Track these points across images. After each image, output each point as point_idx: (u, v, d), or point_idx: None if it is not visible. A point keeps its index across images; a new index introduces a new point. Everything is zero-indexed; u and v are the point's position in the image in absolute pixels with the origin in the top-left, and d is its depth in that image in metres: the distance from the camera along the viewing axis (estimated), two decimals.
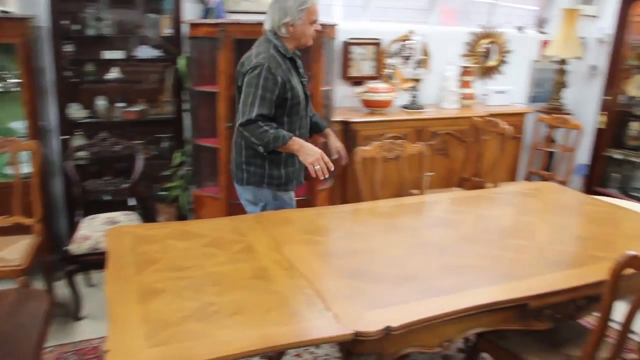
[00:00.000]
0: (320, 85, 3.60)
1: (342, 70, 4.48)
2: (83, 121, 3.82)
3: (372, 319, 1.69)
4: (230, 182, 3.55)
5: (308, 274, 1.98)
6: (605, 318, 1.80)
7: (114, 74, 3.86)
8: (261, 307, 1.75)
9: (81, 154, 3.69)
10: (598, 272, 2.04)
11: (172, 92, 3.95)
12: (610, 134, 4.75)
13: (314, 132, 2.99)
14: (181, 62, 3.79)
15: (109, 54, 3.82)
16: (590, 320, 3.20)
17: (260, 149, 2.57)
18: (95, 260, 3.10)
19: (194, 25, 3.61)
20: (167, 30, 3.87)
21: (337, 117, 4.04)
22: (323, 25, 3.42)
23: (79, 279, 3.40)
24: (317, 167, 2.51)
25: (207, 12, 3.88)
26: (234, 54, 3.37)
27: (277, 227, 2.43)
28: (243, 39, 3.38)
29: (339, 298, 1.82)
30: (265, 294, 1.83)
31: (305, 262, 2.08)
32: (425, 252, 2.25)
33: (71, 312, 3.26)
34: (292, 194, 2.92)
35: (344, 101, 4.47)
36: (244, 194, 2.86)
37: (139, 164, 3.58)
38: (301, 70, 2.81)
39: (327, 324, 1.67)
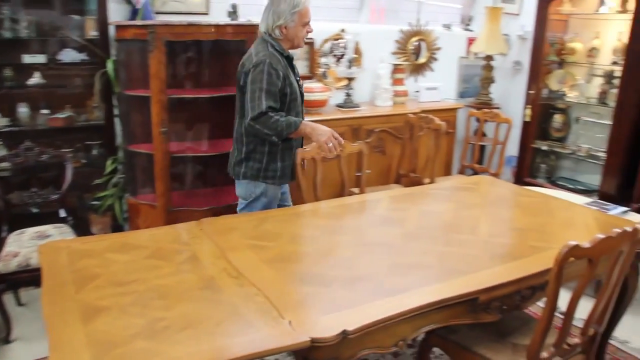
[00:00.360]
0: None
1: None
2: (3, 130, 3.60)
3: (327, 324, 1.67)
4: (168, 188, 3.46)
5: (257, 281, 1.94)
6: (552, 306, 1.85)
7: (35, 79, 3.66)
8: (212, 319, 1.69)
9: (3, 165, 3.47)
10: (540, 262, 2.12)
11: (101, 97, 3.78)
12: (536, 127, 4.95)
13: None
14: (110, 66, 3.64)
15: (29, 58, 3.62)
16: (533, 309, 3.33)
17: (274, 138, 2.70)
18: (25, 278, 2.93)
19: (121, 27, 3.48)
20: (93, 33, 3.70)
21: None
22: (255, 25, 3.37)
23: (8, 298, 3.20)
24: (330, 144, 2.74)
25: (135, 14, 3.74)
26: (165, 56, 3.26)
27: (220, 233, 2.37)
28: (174, 40, 3.29)
29: (291, 304, 1.79)
30: (215, 305, 1.77)
31: (254, 269, 2.04)
32: (373, 252, 2.25)
33: (0, 335, 3.06)
34: (286, 188, 3.09)
35: None
36: (237, 188, 2.97)
37: (69, 173, 3.40)
38: (296, 70, 2.96)
39: (283, 332, 1.64)
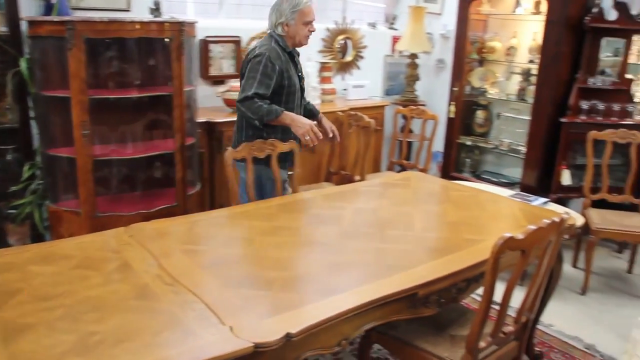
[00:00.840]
0: (183, 86, 3.44)
1: (202, 69, 4.33)
2: None
3: (270, 328, 1.64)
4: (93, 193, 3.30)
5: (194, 287, 1.87)
6: (489, 297, 1.90)
7: None
8: (150, 330, 1.61)
9: None
10: (475, 255, 2.18)
11: (15, 98, 3.54)
12: (460, 123, 5.10)
13: (308, 117, 3.17)
14: (23, 65, 3.42)
15: None
16: (467, 300, 3.42)
17: (257, 122, 2.96)
18: None
19: (34, 23, 3.26)
20: (2, 29, 3.46)
21: (201, 118, 3.90)
22: (181, 23, 3.28)
23: None
24: (307, 137, 2.93)
25: (49, 9, 3.53)
26: (85, 54, 3.10)
27: (152, 239, 2.28)
28: (95, 38, 3.13)
29: (232, 309, 1.74)
30: (152, 315, 1.70)
31: (190, 275, 1.97)
32: (310, 251, 2.24)
33: None
34: (286, 176, 3.24)
35: (206, 101, 4.33)
36: (239, 169, 3.12)
37: None
38: (299, 66, 3.16)
39: (224, 339, 1.58)
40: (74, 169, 3.29)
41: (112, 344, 1.54)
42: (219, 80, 4.44)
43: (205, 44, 4.28)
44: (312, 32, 3.08)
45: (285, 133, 3.06)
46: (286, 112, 2.94)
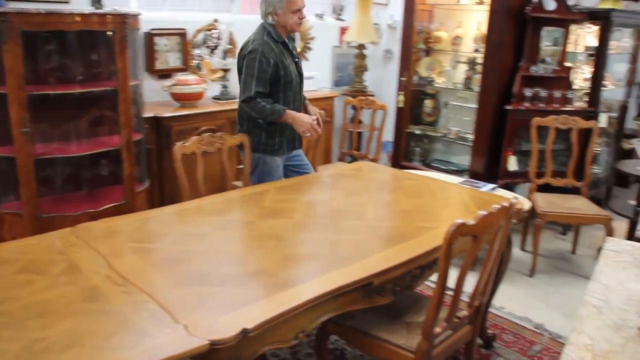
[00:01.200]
0: (128, 80, 3.34)
1: (147, 63, 4.22)
2: None
3: (225, 324, 1.61)
4: (35, 194, 3.18)
5: (146, 286, 1.82)
6: (443, 283, 1.92)
7: None
8: (101, 333, 1.56)
9: None
10: (428, 242, 2.20)
11: None
12: (409, 112, 5.15)
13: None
14: None
15: None
16: (422, 287, 3.47)
17: (260, 120, 3.12)
18: None
19: None
20: None
21: (148, 113, 3.80)
22: (124, 15, 3.18)
23: None
24: (308, 134, 3.11)
25: None
26: (22, 48, 2.97)
27: (100, 239, 2.21)
28: (33, 31, 3.00)
29: (186, 308, 1.70)
30: (102, 318, 1.64)
31: (141, 274, 1.92)
32: (264, 245, 2.21)
33: None
34: (300, 155, 3.42)
35: (153, 96, 4.23)
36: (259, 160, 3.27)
37: None
38: (294, 53, 3.21)
39: (179, 337, 1.55)
40: (14, 169, 3.15)
41: (60, 350, 1.48)
42: (165, 74, 4.34)
43: (150, 37, 4.17)
44: (302, 19, 3.12)
45: (284, 126, 3.20)
46: (288, 111, 3.06)
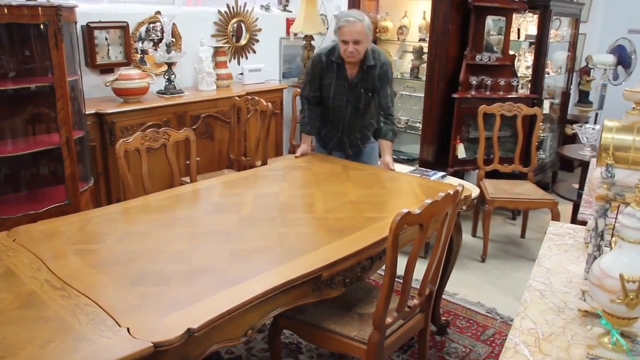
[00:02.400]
0: (65, 76, 3.20)
1: (87, 57, 4.07)
2: None
3: (169, 325, 1.56)
4: None
5: (86, 289, 1.75)
6: (392, 273, 1.92)
7: None
8: (37, 340, 1.48)
9: None
10: (376, 232, 2.20)
11: None
12: None
13: (376, 137, 3.51)
14: None
15: None
16: (375, 277, 3.48)
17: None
18: None
19: None
20: None
21: (89, 110, 3.66)
22: (57, 7, 3.04)
23: None
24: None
25: None
26: None
27: (38, 242, 2.11)
28: None
29: (128, 310, 1.65)
30: (39, 324, 1.56)
31: (81, 277, 1.84)
32: (210, 242, 2.16)
33: None
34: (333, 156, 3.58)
35: (94, 91, 4.09)
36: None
37: None
38: (351, 79, 3.31)
39: (122, 341, 1.49)
40: None
41: None
42: (107, 69, 4.19)
43: (89, 30, 4.02)
44: (351, 52, 3.15)
45: (328, 124, 3.55)
46: (304, 135, 3.54)
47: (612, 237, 1.58)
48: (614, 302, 1.17)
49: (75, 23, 3.39)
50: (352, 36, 3.10)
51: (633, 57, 6.45)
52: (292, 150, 4.69)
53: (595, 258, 1.44)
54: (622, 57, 6.43)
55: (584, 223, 2.21)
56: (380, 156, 3.52)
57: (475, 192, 3.40)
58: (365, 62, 3.24)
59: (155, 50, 4.33)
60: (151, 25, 4.40)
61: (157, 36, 4.42)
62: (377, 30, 5.14)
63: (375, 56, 3.26)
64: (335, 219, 2.39)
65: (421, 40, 4.88)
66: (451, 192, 2.00)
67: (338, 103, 3.41)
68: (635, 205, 1.18)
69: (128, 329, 1.54)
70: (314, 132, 3.60)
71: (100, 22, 4.06)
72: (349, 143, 3.56)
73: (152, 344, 1.48)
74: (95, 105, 3.81)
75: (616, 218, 1.58)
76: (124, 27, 4.21)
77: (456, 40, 4.63)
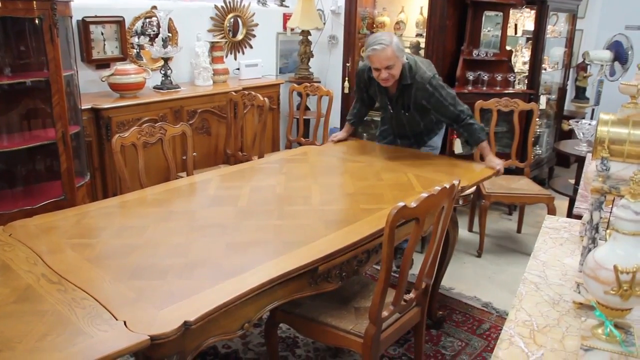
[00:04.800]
0: (61, 70, 3.19)
1: (83, 52, 4.06)
2: None
3: (166, 318, 1.57)
4: None
5: (83, 283, 1.75)
6: (388, 267, 1.92)
7: None
8: (33, 334, 1.48)
9: None
10: (373, 224, 2.20)
11: None
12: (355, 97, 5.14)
13: (471, 144, 3.49)
14: None
15: None
16: (372, 272, 3.48)
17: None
18: None
19: None
20: None
21: (85, 105, 3.66)
22: (52, 1, 3.02)
23: None
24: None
25: None
26: None
27: (35, 236, 2.11)
28: None
29: (125, 303, 1.65)
30: (35, 318, 1.56)
31: (78, 271, 1.84)
32: (207, 235, 2.16)
33: None
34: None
35: (90, 87, 4.09)
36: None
37: None
38: (384, 90, 3.32)
39: (118, 334, 1.49)
40: None
41: None
42: (103, 64, 4.18)
43: (85, 24, 4.01)
44: (384, 79, 3.13)
45: (384, 118, 3.66)
46: (346, 125, 3.73)
47: (607, 229, 1.59)
48: (608, 293, 1.17)
49: (71, 17, 3.38)
50: (382, 64, 3.05)
51: (630, 53, 6.44)
52: (289, 146, 4.68)
53: (590, 250, 1.45)
54: (619, 53, 6.43)
55: (579, 217, 2.22)
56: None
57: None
58: (401, 81, 3.18)
59: (152, 45, 4.32)
60: (147, 20, 4.39)
61: (154, 31, 4.41)
62: (375, 25, 5.13)
63: (411, 74, 3.16)
64: (331, 211, 2.39)
65: (418, 35, 4.88)
66: (447, 186, 2.01)
67: (385, 112, 3.52)
68: (630, 198, 1.19)
69: (125, 322, 1.54)
70: (356, 125, 3.78)
71: (96, 16, 4.06)
72: (402, 144, 3.61)
73: (148, 337, 1.48)
74: (92, 101, 3.80)
75: (611, 211, 1.59)
76: (119, 22, 4.21)
77: (453, 36, 4.63)
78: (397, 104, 3.33)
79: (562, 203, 4.47)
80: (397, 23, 5.00)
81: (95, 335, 1.49)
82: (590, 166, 1.52)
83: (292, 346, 2.88)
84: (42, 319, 1.56)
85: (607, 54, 5.91)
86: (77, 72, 3.48)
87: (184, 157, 3.19)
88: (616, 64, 6.42)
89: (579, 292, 1.51)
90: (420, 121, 3.41)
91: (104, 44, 4.16)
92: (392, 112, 3.42)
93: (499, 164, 3.11)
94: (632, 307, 1.21)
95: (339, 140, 3.61)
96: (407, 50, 4.97)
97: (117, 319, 1.56)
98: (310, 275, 1.96)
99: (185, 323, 1.54)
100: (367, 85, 3.44)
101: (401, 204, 1.83)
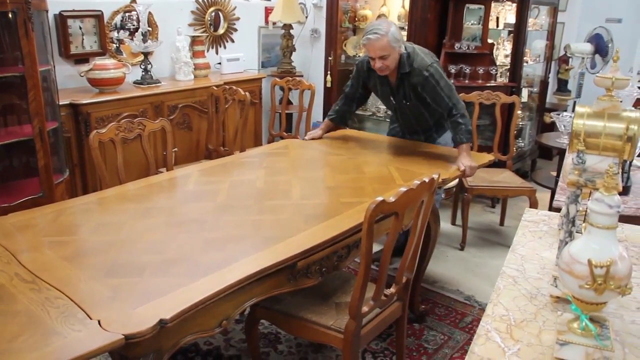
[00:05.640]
0: (37, 65, 3.13)
1: (61, 47, 4.00)
2: None
3: (142, 316, 1.54)
4: None
5: (57, 282, 1.72)
6: (367, 262, 1.91)
7: None
8: (4, 335, 1.45)
9: None
10: (353, 217, 2.19)
11: None
12: (337, 91, 5.12)
13: (454, 142, 3.18)
14: None
15: None
16: (354, 266, 3.48)
17: None
18: None
19: None
20: None
21: (64, 100, 3.60)
22: None
23: None
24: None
25: None
26: None
27: (9, 235, 2.07)
28: None
29: (100, 302, 1.62)
30: (7, 319, 1.53)
31: (52, 269, 1.81)
32: (185, 230, 2.14)
33: None
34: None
35: (69, 82, 4.03)
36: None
37: None
38: (385, 80, 3.29)
39: (92, 334, 1.47)
40: None
41: None
42: (82, 59, 4.12)
43: (62, 19, 3.94)
44: (379, 68, 3.10)
45: (393, 116, 3.63)
46: (325, 122, 3.65)
47: (583, 222, 1.59)
48: (582, 287, 1.17)
49: (47, 11, 3.32)
50: (376, 53, 3.02)
51: (610, 45, 6.50)
52: (271, 140, 4.65)
53: (566, 244, 1.44)
54: (600, 46, 6.48)
55: (559, 210, 2.22)
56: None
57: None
58: (400, 70, 3.15)
59: (131, 39, 4.26)
60: (127, 14, 4.33)
61: (133, 25, 4.36)
62: (357, 19, 5.12)
63: (409, 62, 3.12)
64: (311, 205, 2.38)
65: (400, 29, 4.86)
66: (427, 180, 2.00)
67: (389, 105, 3.49)
68: (604, 191, 1.19)
69: (99, 322, 1.51)
70: (337, 122, 3.62)
71: (73, 10, 3.99)
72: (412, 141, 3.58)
73: (123, 336, 1.46)
74: (70, 96, 3.75)
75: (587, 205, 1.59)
76: (98, 16, 4.15)
77: (435, 29, 4.62)
78: (398, 94, 3.29)
79: (544, 195, 4.50)
80: (379, 16, 4.99)
81: (69, 335, 1.47)
82: (568, 159, 1.52)
83: (274, 342, 2.87)
84: (14, 319, 1.53)
85: (588, 47, 5.96)
86: (54, 67, 3.42)
87: (165, 153, 3.15)
88: (597, 56, 6.47)
89: (556, 286, 1.51)
90: (425, 112, 3.34)
91: (83, 39, 4.10)
92: (394, 104, 3.38)
93: (466, 165, 2.96)
94: (606, 301, 1.21)
95: (313, 138, 3.50)
96: None
97: (91, 318, 1.53)
98: (289, 271, 1.95)
99: (161, 321, 1.52)
100: (367, 78, 3.37)
101: (379, 198, 1.82)
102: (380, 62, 3.06)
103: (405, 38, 4.63)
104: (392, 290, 2.21)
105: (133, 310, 1.58)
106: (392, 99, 3.35)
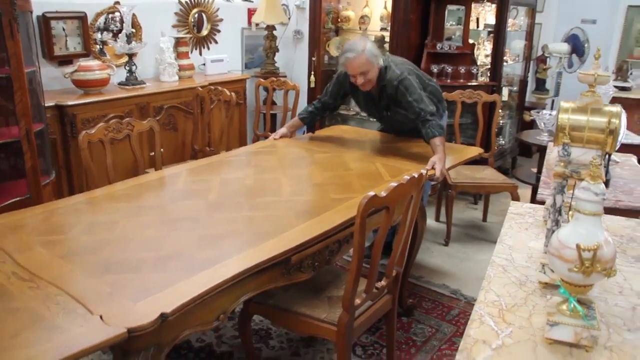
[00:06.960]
0: (22, 67, 3.12)
1: (44, 48, 3.99)
2: None
3: (142, 311, 1.57)
4: None
5: (56, 279, 1.74)
6: (359, 256, 1.96)
7: None
8: (6, 332, 1.47)
9: None
10: (344, 212, 2.24)
11: None
12: (321, 92, 5.16)
13: (425, 139, 3.15)
14: None
15: None
16: (342, 262, 3.52)
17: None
18: None
19: None
20: None
21: (49, 102, 3.59)
22: None
23: None
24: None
25: None
26: None
27: (3, 235, 2.08)
28: None
29: (100, 297, 1.64)
30: (8, 316, 1.55)
31: (50, 267, 1.83)
32: (178, 228, 2.16)
33: None
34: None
35: (53, 83, 4.02)
36: None
37: None
38: (369, 94, 3.35)
39: (94, 328, 1.49)
40: None
41: None
42: (66, 60, 4.11)
43: (45, 20, 3.93)
44: (360, 84, 3.16)
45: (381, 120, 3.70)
46: (293, 120, 3.68)
47: (569, 212, 1.65)
48: (571, 270, 1.23)
49: (31, 12, 3.32)
50: (356, 70, 3.09)
51: (586, 45, 6.66)
52: (256, 140, 4.68)
53: (553, 232, 1.51)
54: (576, 46, 6.64)
55: (542, 203, 2.29)
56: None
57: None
58: (379, 82, 3.22)
59: (115, 41, 4.26)
60: (110, 16, 4.33)
61: (117, 27, 4.36)
62: (339, 20, 5.17)
63: (385, 75, 3.18)
64: (302, 202, 2.42)
65: (383, 29, 4.94)
66: (415, 175, 2.05)
67: (374, 115, 3.58)
68: (590, 180, 1.25)
69: (101, 316, 1.54)
70: (307, 122, 3.67)
71: (57, 12, 3.98)
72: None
73: (126, 330, 1.49)
74: (55, 98, 3.74)
75: (572, 195, 1.66)
76: (81, 18, 4.14)
77: (417, 30, 4.70)
78: (380, 105, 3.37)
79: (525, 191, 4.59)
80: (362, 17, 5.05)
81: (72, 330, 1.49)
82: (552, 153, 1.59)
83: (265, 338, 2.91)
84: (14, 316, 1.55)
85: (565, 47, 6.10)
86: (39, 68, 3.42)
87: (152, 154, 3.17)
88: (574, 56, 6.62)
89: (544, 273, 1.57)
90: (408, 116, 3.32)
91: (66, 40, 4.09)
92: (378, 114, 3.49)
93: (434, 168, 2.86)
94: (593, 283, 1.28)
95: (282, 137, 3.50)
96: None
97: (92, 314, 1.55)
98: (284, 265, 1.99)
99: (162, 315, 1.55)
100: (349, 91, 3.43)
101: (371, 193, 1.87)
102: (361, 78, 3.12)
103: (388, 39, 4.72)
104: (383, 283, 2.26)
105: (134, 304, 1.61)
106: (376, 107, 3.43)
